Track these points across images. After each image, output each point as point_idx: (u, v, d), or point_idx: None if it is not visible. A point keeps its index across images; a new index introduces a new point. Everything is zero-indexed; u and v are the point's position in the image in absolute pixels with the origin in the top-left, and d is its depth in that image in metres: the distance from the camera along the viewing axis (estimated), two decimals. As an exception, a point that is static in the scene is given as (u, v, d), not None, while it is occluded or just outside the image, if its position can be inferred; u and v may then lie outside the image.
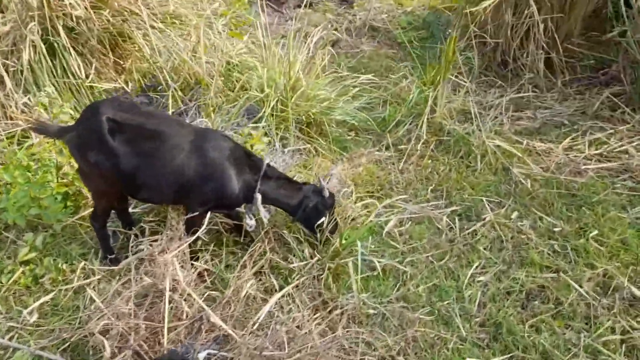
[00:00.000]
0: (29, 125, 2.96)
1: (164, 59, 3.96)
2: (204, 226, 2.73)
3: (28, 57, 3.70)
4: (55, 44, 3.79)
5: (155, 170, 2.66)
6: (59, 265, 2.94)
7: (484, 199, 3.55)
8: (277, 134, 3.91)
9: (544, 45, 4.67)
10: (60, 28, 3.72)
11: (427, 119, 4.27)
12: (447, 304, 2.80)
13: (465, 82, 4.56)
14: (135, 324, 2.28)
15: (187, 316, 2.38)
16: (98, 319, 2.37)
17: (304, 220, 3.02)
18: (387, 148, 4.16)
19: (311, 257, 3.05)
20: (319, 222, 2.96)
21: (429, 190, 3.72)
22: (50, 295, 2.81)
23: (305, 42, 4.58)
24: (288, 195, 2.92)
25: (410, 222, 3.43)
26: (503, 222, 3.36)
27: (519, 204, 3.53)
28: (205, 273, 2.92)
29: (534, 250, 3.12)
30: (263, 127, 3.82)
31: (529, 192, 3.59)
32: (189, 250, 2.81)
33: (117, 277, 2.87)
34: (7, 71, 3.80)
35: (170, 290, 2.41)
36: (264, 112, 3.84)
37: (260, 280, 2.96)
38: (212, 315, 2.30)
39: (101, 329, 2.33)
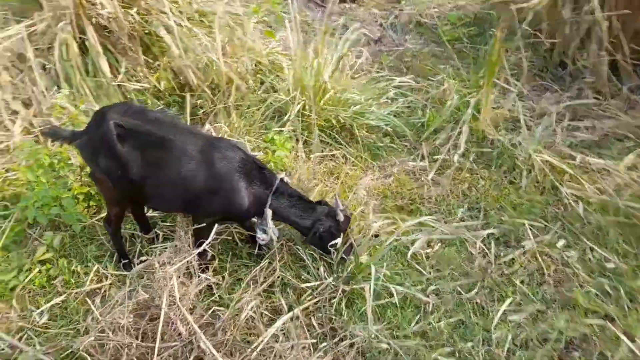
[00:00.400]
0: (41, 129, 2.95)
1: (192, 59, 3.86)
2: (211, 238, 2.60)
3: (59, 55, 3.71)
4: (87, 43, 3.78)
5: (162, 179, 2.56)
6: (73, 267, 2.92)
7: (526, 222, 3.19)
8: (303, 139, 3.72)
9: (608, 45, 4.17)
10: (91, 27, 3.70)
11: (469, 127, 3.93)
12: (471, 345, 2.52)
13: (516, 84, 4.17)
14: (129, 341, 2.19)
15: (181, 336, 2.27)
16: (95, 330, 2.30)
17: (315, 244, 2.84)
18: (423, 158, 3.87)
19: (326, 277, 2.86)
20: (332, 243, 2.76)
21: (465, 207, 3.41)
22: (62, 298, 2.80)
23: (342, 40, 4.35)
24: (300, 215, 2.74)
25: (439, 244, 3.15)
26: (546, 252, 3.00)
27: (567, 230, 3.16)
28: (214, 286, 2.81)
29: (579, 290, 2.75)
30: (288, 132, 3.64)
31: (580, 218, 3.20)
32: (197, 261, 2.71)
33: (128, 283, 2.80)
34: (43, 69, 3.85)
35: (167, 307, 2.30)
36: (289, 116, 3.66)
37: (269, 298, 2.81)
38: (202, 339, 2.17)
39: (95, 342, 2.25)
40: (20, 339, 2.60)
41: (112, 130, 2.47)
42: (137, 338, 2.29)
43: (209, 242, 2.58)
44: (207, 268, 2.86)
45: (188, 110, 3.73)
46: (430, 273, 2.98)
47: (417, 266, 3.00)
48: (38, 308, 2.76)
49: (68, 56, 3.75)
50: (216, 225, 2.71)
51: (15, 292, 2.83)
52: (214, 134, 3.51)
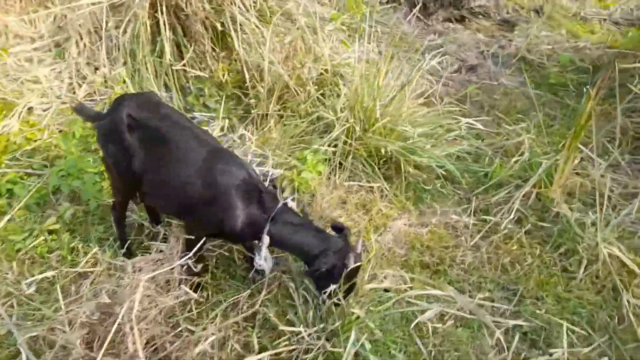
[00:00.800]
0: (72, 104, 3.00)
1: (253, 57, 3.73)
2: (193, 252, 2.43)
3: (132, 30, 3.79)
4: (161, 24, 3.80)
5: (161, 178, 2.45)
6: (74, 243, 2.94)
7: (566, 323, 2.62)
8: (338, 162, 3.43)
9: None
10: (164, 7, 3.72)
11: (536, 191, 3.37)
12: None
13: (613, 152, 3.51)
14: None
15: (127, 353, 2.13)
16: (49, 323, 2.25)
17: (313, 280, 2.55)
18: (471, 214, 3.39)
19: (311, 324, 2.57)
20: (329, 288, 2.46)
21: (498, 285, 2.91)
22: (53, 273, 2.81)
23: (419, 63, 3.97)
24: (304, 243, 2.44)
25: (453, 321, 2.70)
26: (580, 367, 2.45)
27: (614, 349, 2.55)
28: (193, 302, 2.65)
29: None
30: (324, 153, 3.37)
31: (636, 337, 2.57)
32: (183, 272, 2.58)
33: (117, 275, 2.75)
34: (115, 43, 3.97)
35: (127, 317, 2.18)
36: (331, 136, 3.38)
37: (246, 329, 2.59)
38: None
39: (46, 334, 2.20)
40: (3, 305, 2.65)
41: (124, 120, 2.41)
42: (88, 343, 2.20)
43: (190, 256, 2.42)
44: (198, 283, 2.71)
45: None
46: (431, 353, 2.56)
47: (418, 340, 2.60)
48: (33, 276, 2.81)
49: (137, 32, 3.81)
50: (205, 239, 2.55)
51: (18, 255, 2.91)
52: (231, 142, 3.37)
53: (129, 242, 2.95)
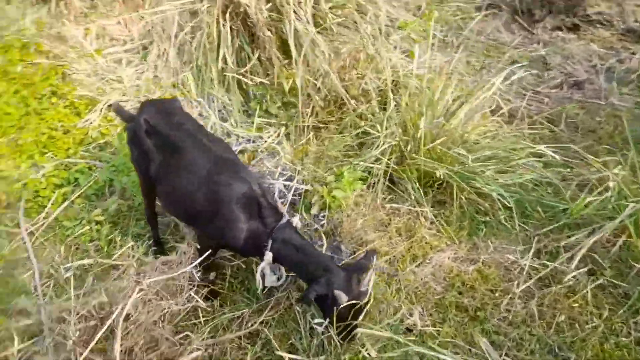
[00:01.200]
0: (111, 104, 3.14)
1: (310, 65, 3.61)
2: (206, 260, 2.39)
3: (199, 38, 3.91)
4: (227, 30, 3.87)
5: (170, 186, 2.45)
6: (112, 236, 3.08)
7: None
8: (379, 181, 3.14)
9: None
10: (227, 15, 3.77)
11: (620, 240, 2.76)
12: None
13: None
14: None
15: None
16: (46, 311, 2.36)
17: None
18: (531, 255, 2.88)
19: (315, 354, 2.38)
20: (317, 322, 2.25)
21: (545, 346, 2.42)
22: (89, 261, 2.97)
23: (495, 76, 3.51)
24: (300, 268, 2.27)
25: (476, 382, 2.30)
26: None
27: None
28: (200, 310, 2.60)
29: None
30: (365, 169, 3.11)
31: None
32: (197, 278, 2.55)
33: (142, 274, 2.82)
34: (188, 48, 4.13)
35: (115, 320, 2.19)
36: (372, 151, 3.12)
37: (245, 348, 2.48)
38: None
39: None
40: (43, 285, 2.87)
41: (142, 125, 2.45)
42: (83, 337, 2.25)
43: (195, 265, 2.38)
44: (212, 291, 2.67)
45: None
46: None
47: (430, 396, 2.25)
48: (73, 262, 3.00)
49: (205, 38, 3.92)
50: (216, 249, 2.50)
51: (67, 240, 3.14)
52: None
53: (159, 240, 3.02)
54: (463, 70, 4.58)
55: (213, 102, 3.96)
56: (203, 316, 2.60)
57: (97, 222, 3.21)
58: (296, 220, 2.37)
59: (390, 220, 3.13)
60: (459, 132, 3.22)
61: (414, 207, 3.13)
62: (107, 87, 4.21)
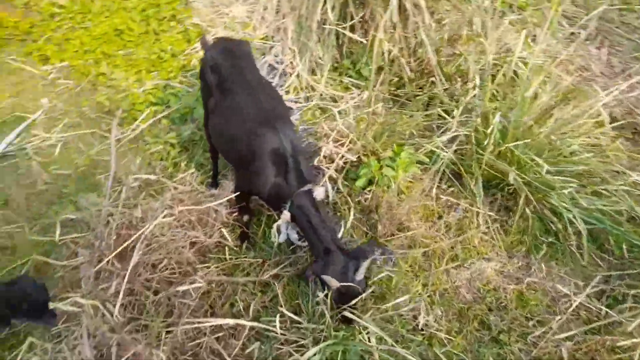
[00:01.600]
0: (200, 37, 3.24)
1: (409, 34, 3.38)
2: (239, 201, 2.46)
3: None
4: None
5: (220, 125, 2.52)
6: (177, 159, 3.31)
7: None
8: (444, 171, 2.90)
9: None
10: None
11: None
12: None
13: None
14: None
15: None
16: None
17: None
18: (592, 295, 2.49)
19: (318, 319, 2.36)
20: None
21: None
22: (153, 177, 3.22)
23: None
24: (309, 240, 2.25)
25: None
26: None
27: None
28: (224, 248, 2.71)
29: None
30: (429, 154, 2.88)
31: None
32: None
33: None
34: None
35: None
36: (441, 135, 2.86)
37: (253, 294, 2.55)
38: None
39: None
40: (114, 191, 3.19)
41: (207, 60, 2.53)
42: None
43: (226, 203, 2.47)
44: (244, 233, 2.76)
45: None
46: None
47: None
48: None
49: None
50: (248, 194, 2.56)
51: (145, 154, 3.44)
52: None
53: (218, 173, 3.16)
54: (596, 69, 3.97)
55: (306, 52, 3.93)
56: (229, 254, 2.72)
57: (171, 144, 3.46)
58: (321, 191, 2.32)
59: (443, 213, 2.91)
60: (550, 138, 2.82)
61: (472, 206, 2.87)
62: (218, 20, 4.40)
